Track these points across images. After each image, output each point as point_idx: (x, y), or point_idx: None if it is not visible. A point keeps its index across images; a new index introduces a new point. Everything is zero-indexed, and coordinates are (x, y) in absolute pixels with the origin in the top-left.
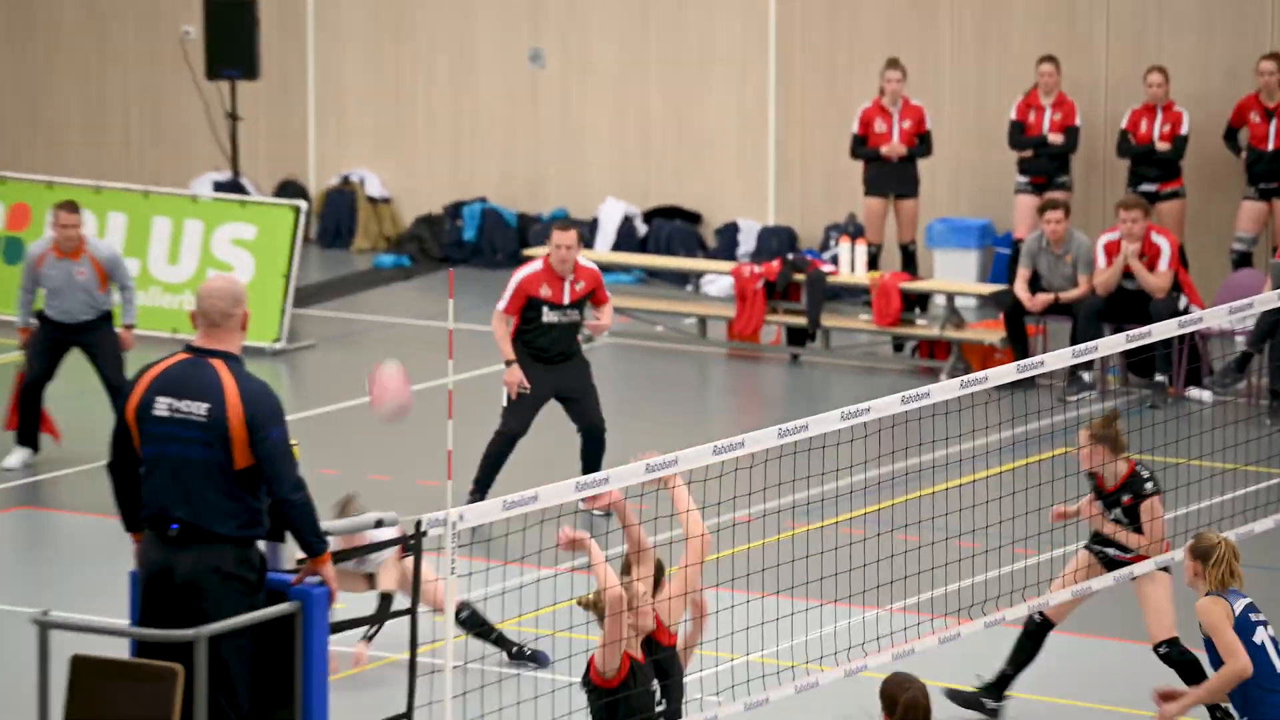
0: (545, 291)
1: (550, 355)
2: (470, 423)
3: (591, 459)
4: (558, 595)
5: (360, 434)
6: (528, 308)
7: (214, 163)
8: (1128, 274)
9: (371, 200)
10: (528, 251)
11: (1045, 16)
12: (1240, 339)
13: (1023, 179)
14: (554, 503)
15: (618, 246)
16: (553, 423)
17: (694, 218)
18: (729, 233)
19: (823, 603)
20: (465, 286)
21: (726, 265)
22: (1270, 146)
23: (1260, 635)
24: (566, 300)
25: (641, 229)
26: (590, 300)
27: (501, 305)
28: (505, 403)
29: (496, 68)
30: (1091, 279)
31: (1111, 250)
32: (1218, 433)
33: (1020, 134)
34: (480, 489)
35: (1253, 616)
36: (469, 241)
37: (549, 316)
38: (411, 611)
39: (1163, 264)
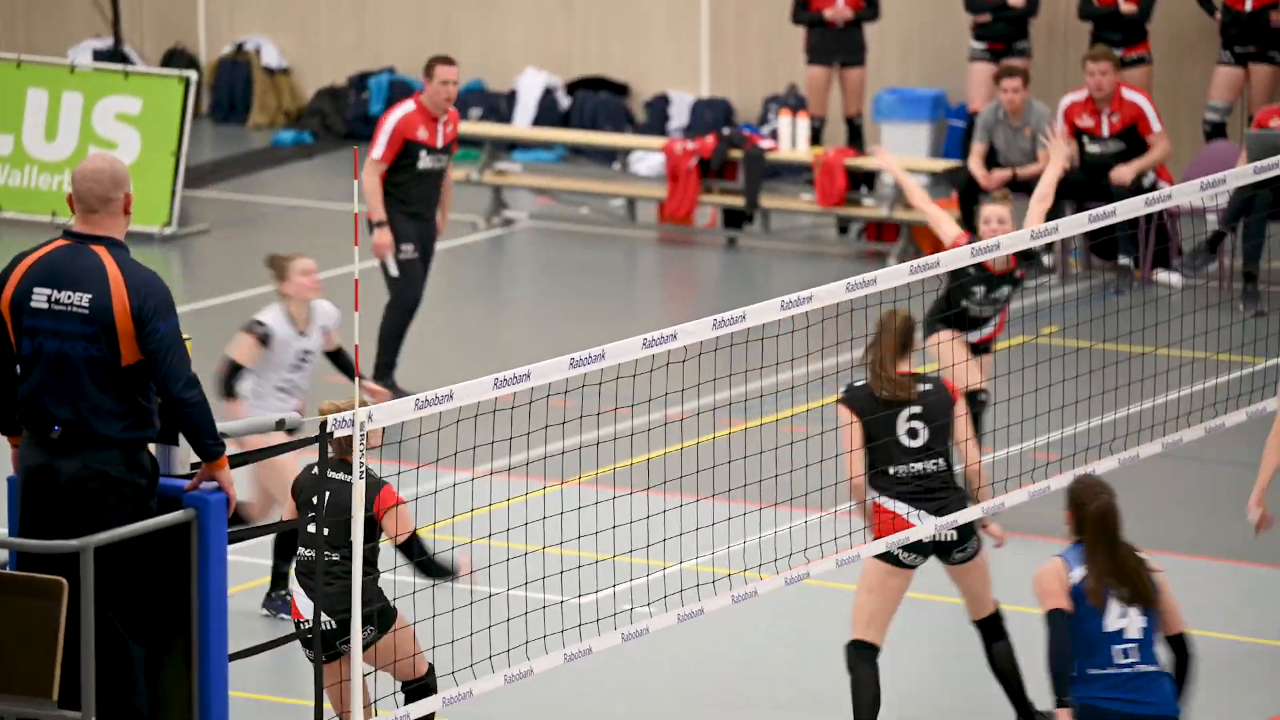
0: (422, 134)
1: (421, 209)
2: (379, 315)
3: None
4: (475, 500)
5: None
6: (402, 154)
7: (94, 28)
8: (1093, 136)
9: (269, 71)
10: None
11: None
12: (1212, 217)
13: (978, 45)
14: (470, 400)
15: (538, 121)
16: (483, 308)
17: (621, 89)
18: (659, 106)
19: (761, 506)
20: None
21: (657, 141)
22: (1248, 6)
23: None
24: (440, 143)
25: (564, 102)
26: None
27: (378, 153)
28: (393, 272)
29: None
30: (1048, 153)
31: (1073, 114)
32: (1187, 319)
33: None
34: (388, 370)
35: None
36: (376, 116)
37: (425, 162)
38: (317, 519)
39: (1154, 124)
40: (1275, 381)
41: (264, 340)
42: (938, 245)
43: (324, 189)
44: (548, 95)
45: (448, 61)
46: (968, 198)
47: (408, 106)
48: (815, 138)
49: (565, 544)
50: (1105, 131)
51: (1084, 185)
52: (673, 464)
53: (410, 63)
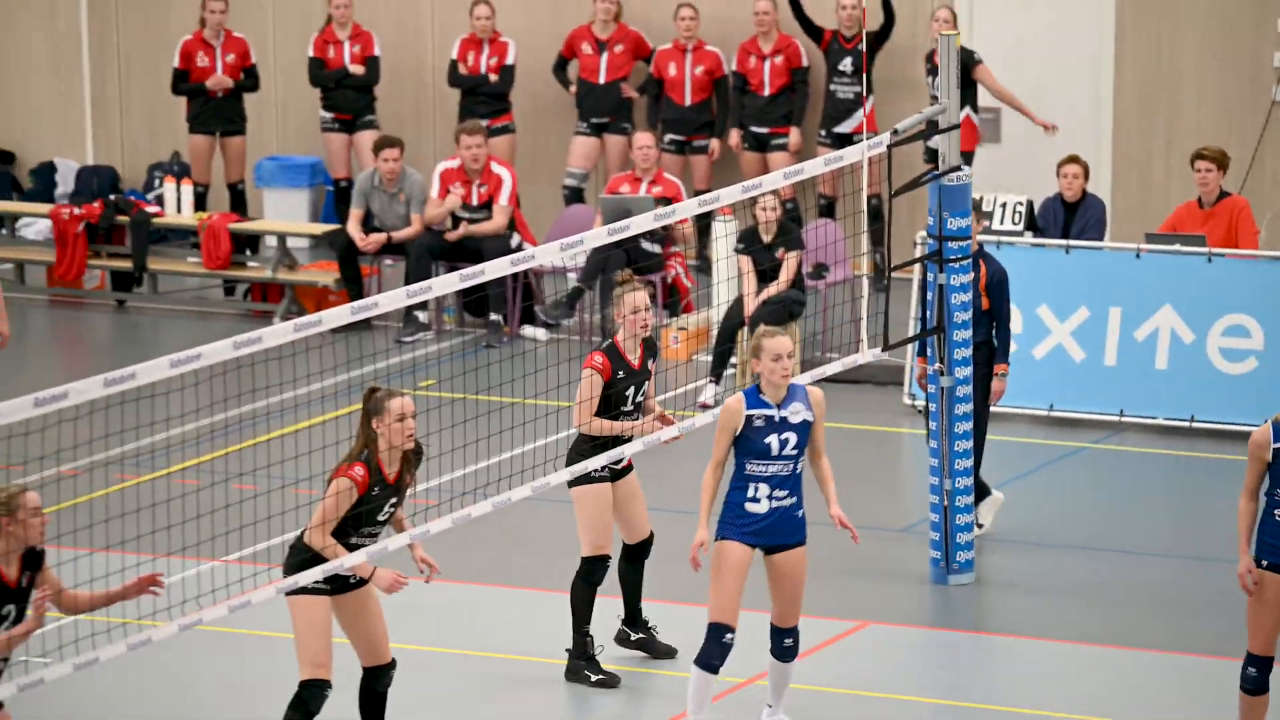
0: None
1: None
2: None
3: None
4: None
5: None
6: None
7: None
8: (465, 205)
9: None
10: None
11: None
12: (572, 275)
13: (328, 115)
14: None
15: None
16: None
17: (7, 157)
18: (46, 173)
19: (155, 556)
20: None
21: (44, 208)
22: (601, 80)
23: None
24: None
25: None
26: None
27: None
28: None
29: None
30: (424, 217)
31: (447, 179)
32: (552, 370)
33: (321, 69)
34: None
35: None
36: None
37: None
38: None
39: (502, 198)
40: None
41: None
42: (321, 303)
43: None
44: None
45: None
46: (347, 259)
47: None
48: (200, 203)
49: None
50: (476, 200)
51: (456, 249)
52: (67, 518)
53: None
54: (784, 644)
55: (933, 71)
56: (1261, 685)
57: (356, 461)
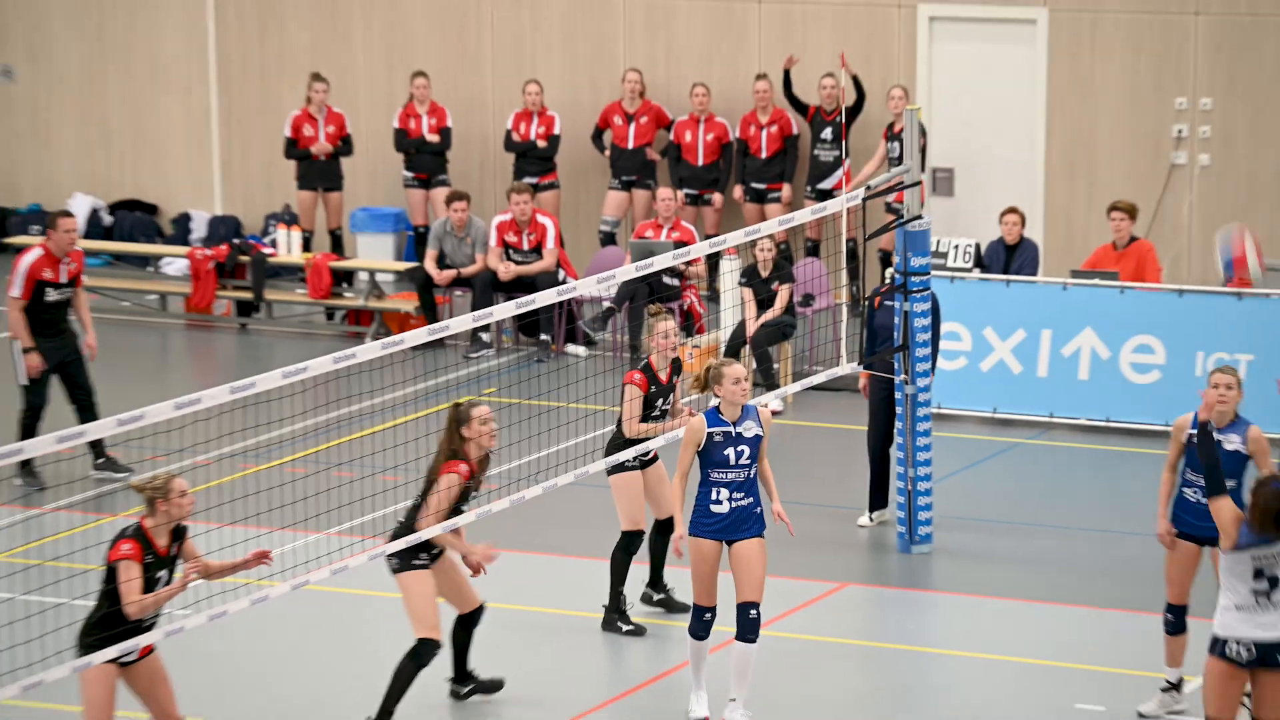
0: (48, 274)
1: (51, 332)
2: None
3: (87, 417)
4: None
5: None
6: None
7: None
8: (516, 249)
9: None
10: (12, 240)
11: (440, 36)
12: (607, 303)
13: (409, 174)
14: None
15: (87, 235)
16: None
17: (152, 209)
18: (183, 222)
19: (271, 530)
20: None
21: (182, 250)
22: (630, 145)
23: None
24: (65, 279)
25: (107, 220)
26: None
27: (16, 292)
28: (25, 382)
29: None
30: (486, 257)
31: (502, 230)
32: (591, 380)
33: (404, 138)
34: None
35: None
36: None
37: (52, 296)
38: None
39: (549, 242)
40: (618, 421)
41: None
42: (403, 326)
43: None
44: (94, 214)
45: (68, 215)
46: (425, 291)
47: (37, 252)
48: (306, 246)
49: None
50: (525, 246)
51: (513, 281)
52: (201, 498)
53: None
54: (749, 615)
55: (892, 139)
56: (1179, 627)
57: (459, 460)
